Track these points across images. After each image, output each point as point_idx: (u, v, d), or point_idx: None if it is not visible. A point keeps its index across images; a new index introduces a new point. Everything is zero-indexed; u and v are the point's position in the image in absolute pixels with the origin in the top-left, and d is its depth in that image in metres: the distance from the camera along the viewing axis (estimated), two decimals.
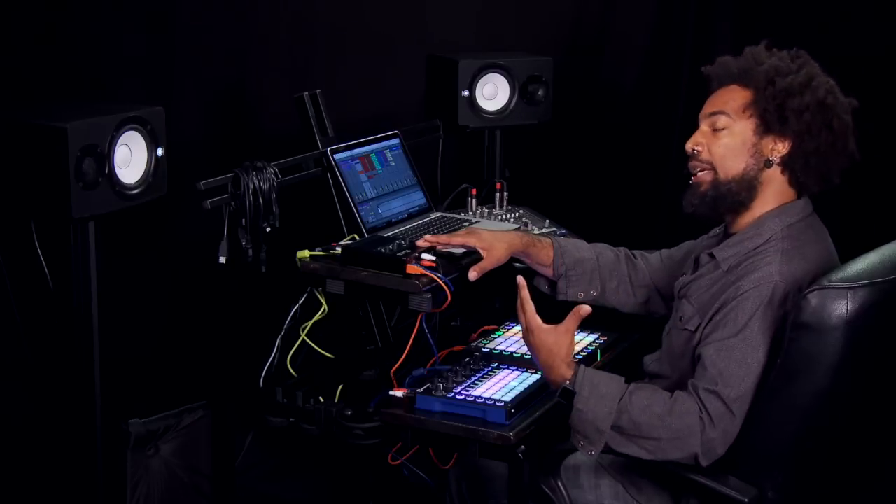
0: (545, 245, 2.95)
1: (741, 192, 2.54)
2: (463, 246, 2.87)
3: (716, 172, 2.55)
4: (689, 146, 2.58)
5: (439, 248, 2.85)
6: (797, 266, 2.45)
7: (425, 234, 3.00)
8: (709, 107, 2.58)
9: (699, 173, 2.58)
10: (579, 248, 2.96)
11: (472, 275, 2.82)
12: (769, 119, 2.50)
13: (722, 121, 2.54)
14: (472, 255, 2.87)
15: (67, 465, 2.83)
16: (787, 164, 2.52)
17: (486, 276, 2.88)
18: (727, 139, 2.54)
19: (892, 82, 3.91)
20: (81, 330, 2.69)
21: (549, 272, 2.96)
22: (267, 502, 3.53)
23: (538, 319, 2.52)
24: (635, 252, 2.99)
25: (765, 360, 2.40)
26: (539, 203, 3.61)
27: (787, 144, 2.51)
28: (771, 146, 2.52)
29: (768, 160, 2.52)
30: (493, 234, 2.91)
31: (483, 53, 3.78)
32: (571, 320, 2.49)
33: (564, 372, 2.47)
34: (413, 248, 2.82)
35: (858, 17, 3.97)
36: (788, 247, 2.48)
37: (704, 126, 2.58)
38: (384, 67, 3.86)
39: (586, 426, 2.43)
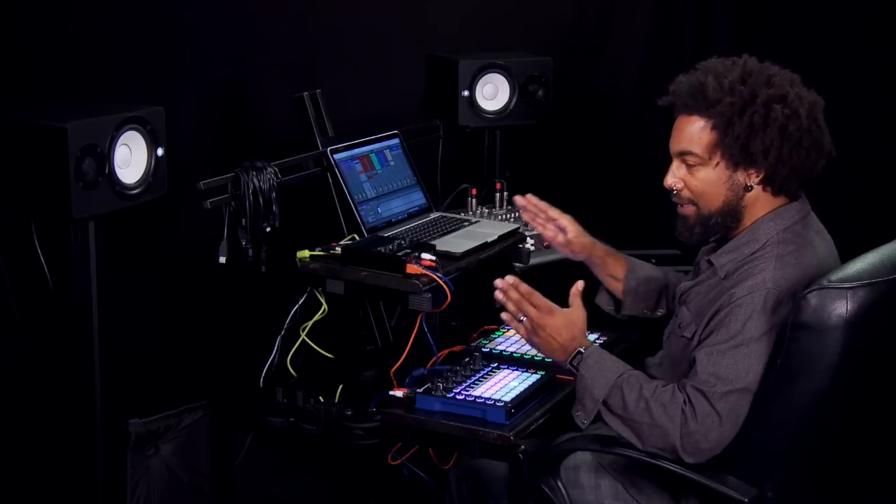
0: (620, 258, 2.96)
1: (727, 220, 2.55)
2: (558, 221, 2.92)
3: (698, 207, 2.56)
4: (668, 184, 2.58)
5: (530, 209, 2.93)
6: (791, 271, 2.44)
7: (426, 234, 3.01)
8: (676, 143, 2.56)
9: (683, 207, 2.59)
10: (648, 265, 2.97)
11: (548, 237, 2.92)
12: (737, 159, 2.49)
13: (692, 159, 2.53)
14: (479, 253, 2.89)
15: (67, 465, 2.83)
16: (766, 183, 2.52)
17: (486, 277, 2.88)
18: (702, 175, 2.54)
19: (891, 82, 3.91)
20: (81, 330, 2.69)
21: (618, 286, 2.95)
22: (267, 502, 3.53)
23: (551, 303, 2.60)
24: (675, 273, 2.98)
25: (759, 367, 2.39)
26: None
27: (761, 171, 2.50)
28: (746, 174, 2.52)
29: (748, 185, 2.52)
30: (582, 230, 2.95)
31: (483, 53, 3.78)
32: (576, 298, 2.59)
33: (583, 341, 2.57)
34: (413, 247, 2.82)
35: (856, 16, 3.97)
36: (783, 252, 2.48)
37: (677, 161, 2.57)
38: (384, 67, 3.86)
39: (584, 393, 2.51)
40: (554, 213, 2.94)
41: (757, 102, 2.46)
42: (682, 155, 2.55)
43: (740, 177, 2.52)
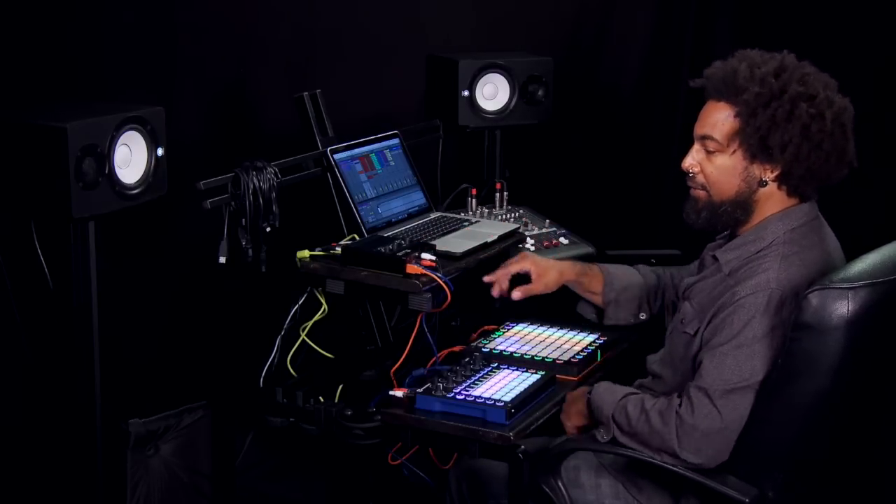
0: (595, 273, 2.96)
1: (736, 211, 2.54)
2: (519, 271, 2.92)
3: (709, 193, 2.56)
4: (685, 166, 2.59)
5: (499, 276, 2.92)
6: (795, 272, 2.44)
7: (426, 234, 3.00)
8: (700, 127, 2.57)
9: (696, 190, 2.59)
10: (626, 273, 2.97)
11: (517, 294, 2.91)
12: (754, 150, 2.49)
13: (712, 145, 2.53)
14: (479, 253, 2.90)
15: (67, 465, 2.83)
16: (781, 181, 2.52)
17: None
18: (719, 162, 2.53)
19: (891, 82, 3.91)
20: (81, 330, 2.69)
21: (598, 300, 2.96)
22: (267, 502, 3.52)
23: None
24: (672, 270, 2.97)
25: (763, 367, 2.39)
26: (539, 203, 3.61)
27: (777, 167, 2.50)
28: (762, 168, 2.51)
29: (762, 181, 2.52)
30: (547, 262, 2.94)
31: (483, 53, 3.78)
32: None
33: (584, 394, 2.62)
34: (413, 247, 2.81)
35: (857, 17, 3.97)
36: (788, 252, 2.47)
37: (698, 145, 2.57)
38: (384, 67, 3.86)
39: (599, 413, 2.53)
40: (513, 267, 2.94)
41: (784, 98, 2.46)
42: (703, 139, 2.55)
43: (756, 170, 2.51)
